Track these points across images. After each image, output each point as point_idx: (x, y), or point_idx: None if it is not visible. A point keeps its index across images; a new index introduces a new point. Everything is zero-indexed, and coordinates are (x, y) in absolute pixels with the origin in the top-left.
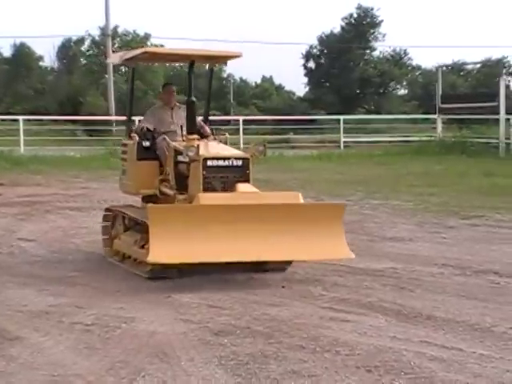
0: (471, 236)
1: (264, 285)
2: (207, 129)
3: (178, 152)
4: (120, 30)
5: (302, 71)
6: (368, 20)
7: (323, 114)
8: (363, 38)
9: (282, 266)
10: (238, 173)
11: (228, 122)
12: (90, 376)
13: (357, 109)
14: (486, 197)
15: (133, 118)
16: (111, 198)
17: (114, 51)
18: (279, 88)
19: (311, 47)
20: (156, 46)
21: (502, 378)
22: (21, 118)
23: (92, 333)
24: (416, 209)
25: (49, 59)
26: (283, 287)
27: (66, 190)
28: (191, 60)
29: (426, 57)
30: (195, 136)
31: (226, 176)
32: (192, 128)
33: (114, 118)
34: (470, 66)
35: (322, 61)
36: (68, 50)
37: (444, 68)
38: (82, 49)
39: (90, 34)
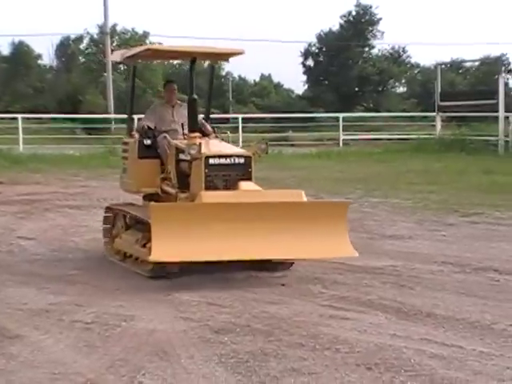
0: (471, 233)
1: (263, 283)
2: (208, 127)
3: (179, 150)
4: (119, 29)
5: (301, 69)
6: (367, 18)
7: (322, 112)
8: (362, 35)
9: (284, 264)
10: (240, 171)
11: (227, 120)
12: (90, 374)
13: (355, 107)
14: (485, 194)
15: (133, 116)
16: (111, 197)
17: (112, 49)
18: (278, 86)
19: (310, 45)
20: (154, 44)
21: (502, 375)
22: (20, 116)
23: (92, 331)
24: (415, 206)
25: (47, 57)
26: (283, 285)
27: (66, 189)
28: (193, 57)
29: (425, 55)
30: (197, 134)
31: (228, 174)
32: (194, 126)
33: (113, 116)
34: (468, 64)
35: (321, 59)
36: (67, 48)
37: (443, 66)
38: (81, 47)
39: (88, 33)
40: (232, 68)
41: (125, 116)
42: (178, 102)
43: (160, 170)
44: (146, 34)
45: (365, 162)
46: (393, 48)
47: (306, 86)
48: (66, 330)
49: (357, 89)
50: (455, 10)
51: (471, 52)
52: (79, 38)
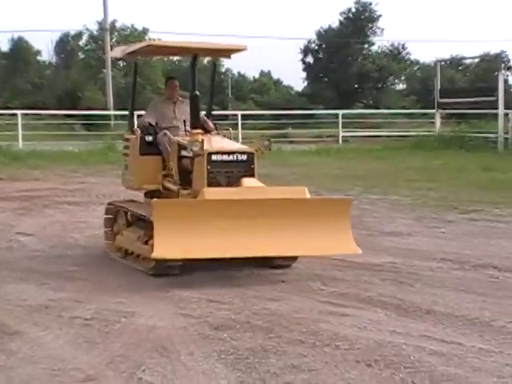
0: (470, 230)
1: (263, 279)
2: (210, 123)
3: (181, 147)
4: (118, 25)
5: (301, 66)
6: (366, 14)
7: (321, 109)
8: (361, 32)
9: (287, 261)
10: (243, 167)
11: (226, 117)
12: (90, 370)
13: (355, 103)
14: (484, 191)
15: (134, 112)
16: (110, 193)
17: (112, 46)
18: (277, 83)
19: (309, 42)
20: (154, 40)
21: (502, 371)
22: (19, 112)
23: (92, 327)
24: (415, 203)
25: (47, 54)
26: (283, 282)
27: (65, 185)
28: (195, 53)
29: (425, 51)
30: (199, 131)
31: (231, 171)
32: (196, 122)
33: (112, 112)
34: (468, 61)
35: (321, 55)
36: (66, 44)
37: (442, 63)
38: (80, 43)
39: (87, 29)
40: (231, 64)
41: (124, 112)
42: (180, 98)
43: (162, 166)
44: (145, 31)
45: (364, 158)
46: (392, 45)
47: (306, 83)
48: (65, 326)
49: (356, 86)
50: (455, 7)
51: (471, 49)
52: (78, 35)
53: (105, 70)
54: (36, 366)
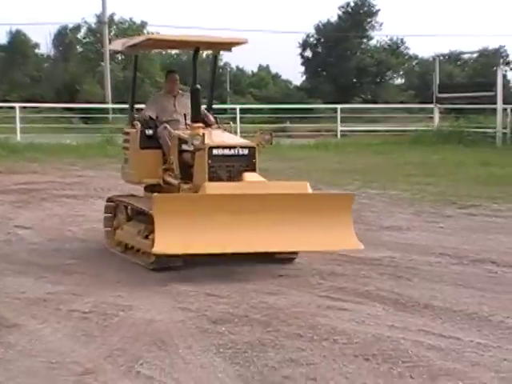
0: (468, 225)
1: (261, 274)
2: (211, 117)
3: (182, 141)
4: (116, 18)
5: (299, 60)
6: (365, 9)
7: (320, 103)
8: (360, 26)
9: (289, 256)
10: (244, 162)
11: (224, 111)
12: (88, 363)
13: (353, 98)
14: (482, 186)
15: (134, 106)
16: (108, 186)
17: (110, 39)
18: (276, 77)
19: (308, 36)
20: (152, 33)
21: (500, 366)
22: (17, 105)
23: (90, 320)
24: (413, 198)
25: (45, 47)
26: (281, 276)
27: (63, 178)
28: (196, 47)
29: (423, 46)
30: (200, 124)
31: (232, 165)
32: (197, 116)
33: (110, 105)
34: (467, 56)
35: (319, 50)
36: (64, 37)
37: (441, 57)
38: (79, 36)
39: (86, 22)
40: (230, 58)
41: (122, 106)
42: (180, 91)
43: (162, 160)
44: (143, 24)
45: (363, 153)
46: (391, 39)
47: (304, 77)
48: (63, 319)
49: (355, 80)
50: (454, 2)
51: (469, 44)
52: (77, 28)
53: (103, 63)
54: (34, 359)
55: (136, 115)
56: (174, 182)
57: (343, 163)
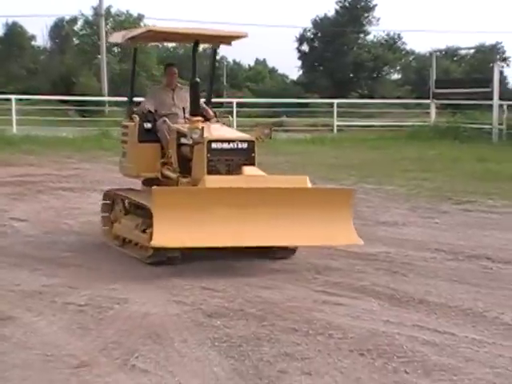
0: (464, 221)
1: (257, 267)
2: (210, 111)
3: (181, 134)
4: (113, 11)
5: (296, 54)
6: (362, 4)
7: (316, 98)
8: (357, 21)
9: (288, 251)
10: (244, 156)
11: (221, 105)
12: (84, 356)
13: (350, 93)
14: (478, 182)
15: (133, 99)
16: (104, 179)
17: (106, 31)
18: (272, 71)
19: (305, 30)
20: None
21: (494, 362)
22: (13, 97)
23: (85, 313)
24: (409, 193)
25: (41, 39)
26: (276, 270)
27: (59, 171)
28: (196, 40)
29: (420, 42)
30: (199, 118)
31: (231, 159)
32: (196, 110)
33: (106, 98)
34: (463, 52)
35: (316, 44)
36: (61, 29)
37: (438, 53)
38: (75, 28)
39: (82, 14)
40: (227, 52)
41: (118, 99)
42: (179, 85)
43: (160, 154)
44: (140, 17)
45: (359, 148)
46: (388, 34)
47: (301, 72)
48: (58, 312)
49: (351, 75)
50: None
51: (466, 40)
52: (73, 20)
53: (99, 56)
54: (29, 352)
55: (134, 108)
56: (173, 175)
57: (339, 158)
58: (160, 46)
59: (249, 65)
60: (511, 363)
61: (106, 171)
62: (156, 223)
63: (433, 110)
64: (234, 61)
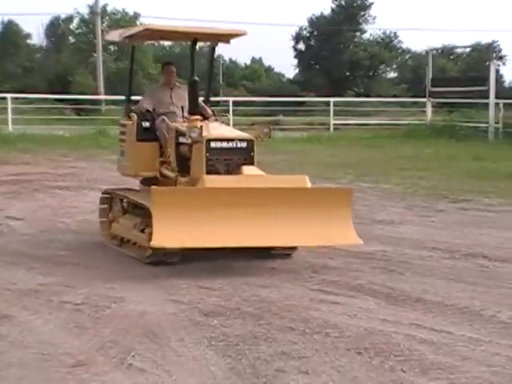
0: (460, 220)
1: (254, 266)
2: (208, 110)
3: (179, 133)
4: (109, 9)
5: (292, 53)
6: (358, 2)
7: (313, 96)
8: (353, 20)
9: (287, 251)
10: (243, 155)
11: (217, 103)
12: (80, 355)
13: (346, 91)
14: (474, 181)
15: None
16: (101, 178)
17: (102, 30)
18: (269, 70)
19: (301, 29)
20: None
21: (491, 360)
22: (9, 96)
23: (82, 312)
24: (405, 192)
25: (37, 37)
26: (273, 269)
27: (55, 169)
28: (194, 38)
29: (416, 40)
30: (197, 117)
31: (230, 158)
32: (194, 108)
33: (103, 97)
34: (460, 50)
35: (312, 43)
36: (56, 28)
37: (434, 51)
38: (71, 27)
39: (78, 12)
40: (223, 51)
41: (115, 97)
42: (177, 83)
43: (159, 153)
44: (136, 16)
45: (355, 147)
46: (384, 33)
47: (297, 70)
48: (55, 310)
49: (348, 73)
50: None
51: (463, 38)
52: (69, 18)
53: (95, 54)
54: (26, 351)
55: (132, 107)
56: (171, 174)
57: (336, 156)
58: (156, 44)
59: (245, 63)
60: (508, 362)
61: (102, 170)
62: (155, 223)
63: (429, 109)
64: (231, 59)
